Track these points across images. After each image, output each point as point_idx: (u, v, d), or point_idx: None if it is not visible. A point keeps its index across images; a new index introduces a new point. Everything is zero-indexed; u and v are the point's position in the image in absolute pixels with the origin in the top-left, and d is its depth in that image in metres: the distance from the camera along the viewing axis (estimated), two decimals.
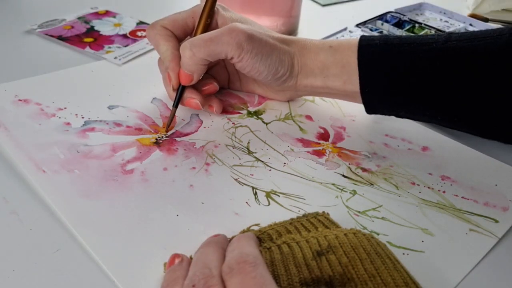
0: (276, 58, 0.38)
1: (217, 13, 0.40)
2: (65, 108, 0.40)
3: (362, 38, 0.39)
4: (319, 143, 0.39)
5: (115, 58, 0.48)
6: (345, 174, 0.36)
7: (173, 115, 0.39)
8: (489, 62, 0.35)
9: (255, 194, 0.33)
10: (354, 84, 0.38)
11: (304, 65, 0.40)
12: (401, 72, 0.37)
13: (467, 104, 0.36)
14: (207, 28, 0.39)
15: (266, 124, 0.41)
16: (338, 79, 0.39)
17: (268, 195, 0.33)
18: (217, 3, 0.40)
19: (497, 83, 0.35)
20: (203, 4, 0.39)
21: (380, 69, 0.37)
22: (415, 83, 0.37)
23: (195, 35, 0.39)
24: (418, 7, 0.67)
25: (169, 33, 0.39)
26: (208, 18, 0.39)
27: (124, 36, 0.53)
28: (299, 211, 0.32)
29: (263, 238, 0.28)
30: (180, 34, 0.40)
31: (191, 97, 0.39)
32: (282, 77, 0.39)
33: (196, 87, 0.40)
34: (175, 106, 0.39)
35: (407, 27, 0.61)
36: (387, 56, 0.37)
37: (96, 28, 0.54)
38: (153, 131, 0.39)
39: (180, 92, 0.39)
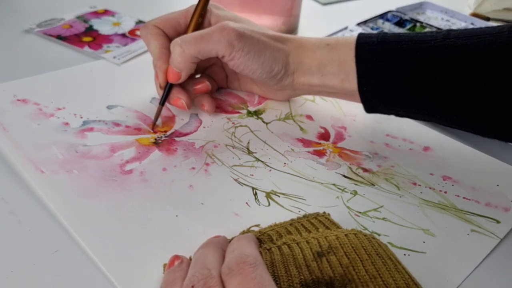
0: (269, 56, 0.38)
1: (210, 13, 0.40)
2: (63, 108, 0.40)
3: (360, 36, 0.38)
4: (320, 143, 0.39)
5: (114, 57, 0.48)
6: (346, 175, 0.36)
7: (159, 113, 0.39)
8: (488, 59, 0.34)
9: (255, 194, 0.33)
10: (352, 82, 0.38)
11: (300, 63, 0.39)
12: (399, 70, 0.37)
13: (466, 102, 0.36)
14: (199, 27, 0.39)
15: (266, 124, 0.41)
16: (335, 77, 0.39)
17: (268, 195, 0.33)
18: (214, 2, 0.40)
19: (496, 80, 0.34)
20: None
21: (378, 67, 0.37)
22: (413, 81, 0.36)
23: (186, 33, 0.39)
24: (419, 6, 0.67)
25: (160, 32, 0.39)
26: (200, 17, 0.39)
27: (123, 35, 0.53)
28: (299, 211, 0.32)
29: (263, 239, 0.28)
30: (172, 33, 0.40)
31: (178, 96, 0.39)
32: (277, 75, 0.39)
33: (186, 86, 0.40)
34: (161, 104, 0.39)
35: (408, 26, 0.61)
36: (385, 54, 0.37)
37: (95, 27, 0.54)
38: (152, 131, 0.38)
39: (167, 90, 0.39)
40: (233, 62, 0.38)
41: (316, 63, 0.39)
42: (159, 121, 0.40)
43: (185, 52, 0.36)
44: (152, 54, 0.39)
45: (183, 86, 0.39)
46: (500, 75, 0.34)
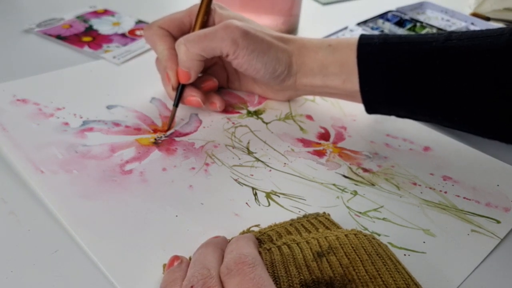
0: (273, 56, 0.38)
1: (214, 12, 0.40)
2: (63, 108, 0.40)
3: (362, 37, 0.38)
4: (320, 143, 0.39)
5: (114, 57, 0.48)
6: (346, 175, 0.36)
7: (173, 115, 0.39)
8: (489, 61, 0.34)
9: (255, 194, 0.33)
10: (353, 83, 0.38)
11: (302, 64, 0.39)
12: (401, 71, 0.37)
13: (467, 103, 0.36)
14: (204, 25, 0.39)
15: (266, 124, 0.41)
16: (337, 78, 0.39)
17: (268, 195, 0.33)
18: (215, 1, 0.40)
19: (497, 82, 0.34)
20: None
21: (379, 68, 0.37)
22: (415, 82, 0.36)
23: (191, 32, 0.39)
24: (420, 6, 0.67)
25: (165, 32, 0.39)
26: (205, 16, 0.39)
27: (123, 35, 0.53)
28: (299, 211, 0.32)
29: (263, 239, 0.28)
30: (177, 33, 0.40)
31: (191, 95, 0.39)
32: (280, 76, 0.39)
33: (195, 85, 0.40)
34: (176, 105, 0.39)
35: (409, 26, 0.61)
36: (386, 55, 0.37)
37: (94, 27, 0.54)
38: (152, 131, 0.38)
39: (180, 91, 0.39)
40: (237, 61, 0.38)
41: (318, 64, 0.39)
42: (158, 122, 0.40)
43: (189, 50, 0.36)
44: (160, 56, 0.39)
45: (193, 84, 0.39)
46: (501, 77, 0.34)
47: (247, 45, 0.37)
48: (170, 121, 0.39)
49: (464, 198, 0.35)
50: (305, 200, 0.33)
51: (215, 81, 0.41)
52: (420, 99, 0.37)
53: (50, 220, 0.30)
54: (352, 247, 0.25)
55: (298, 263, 0.25)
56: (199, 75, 0.42)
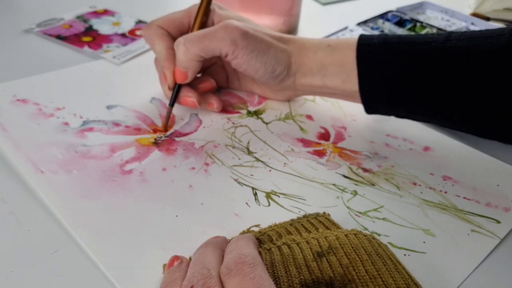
0: (272, 56, 0.38)
1: (214, 12, 0.40)
2: (63, 108, 0.40)
3: (361, 37, 0.38)
4: (320, 143, 0.39)
5: (114, 57, 0.48)
6: (346, 175, 0.36)
7: (169, 114, 0.39)
8: (489, 61, 0.34)
9: (255, 194, 0.33)
10: (353, 83, 0.38)
11: (302, 64, 0.39)
12: (401, 71, 0.37)
13: (466, 103, 0.36)
14: (203, 26, 0.39)
15: (266, 124, 0.41)
16: (336, 78, 0.39)
17: (268, 195, 0.33)
18: (215, 2, 0.40)
19: (497, 82, 0.34)
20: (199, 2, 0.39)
21: (379, 68, 0.37)
22: (414, 82, 0.36)
23: (190, 32, 0.39)
24: (420, 6, 0.67)
25: (164, 32, 0.39)
26: (204, 16, 0.39)
27: (123, 35, 0.53)
28: (299, 211, 0.32)
29: (263, 239, 0.28)
30: (175, 33, 0.40)
31: (187, 95, 0.39)
32: (279, 76, 0.39)
33: (192, 85, 0.40)
34: (171, 105, 0.39)
35: (408, 26, 0.61)
36: (386, 55, 0.37)
37: (94, 27, 0.54)
38: (152, 131, 0.38)
39: (176, 91, 0.39)
40: (236, 61, 0.38)
41: (317, 64, 0.39)
42: (158, 122, 0.40)
43: (188, 50, 0.37)
44: (158, 55, 0.39)
45: (190, 85, 0.40)
46: (501, 77, 0.34)
47: (246, 45, 0.37)
48: (166, 120, 0.39)
49: (464, 198, 0.35)
50: (305, 200, 0.33)
51: (213, 82, 0.41)
52: (420, 99, 0.37)
53: (50, 220, 0.30)
54: (352, 247, 0.26)
55: (298, 263, 0.25)
56: (198, 75, 0.42)
